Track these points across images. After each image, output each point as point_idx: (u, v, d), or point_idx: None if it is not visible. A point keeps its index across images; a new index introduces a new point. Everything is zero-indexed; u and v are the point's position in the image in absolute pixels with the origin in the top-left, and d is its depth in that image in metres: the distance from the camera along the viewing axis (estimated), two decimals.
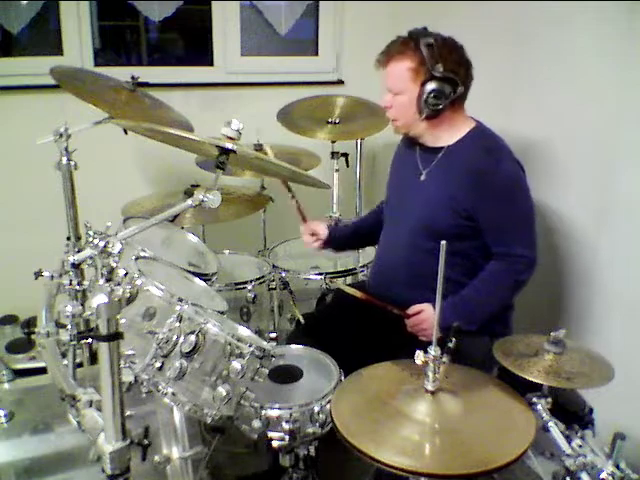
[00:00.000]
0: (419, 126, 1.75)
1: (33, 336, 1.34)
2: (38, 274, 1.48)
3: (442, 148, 1.76)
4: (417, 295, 1.71)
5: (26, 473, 1.59)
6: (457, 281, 1.71)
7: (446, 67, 1.65)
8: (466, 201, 1.67)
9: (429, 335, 1.64)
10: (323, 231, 2.02)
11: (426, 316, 1.68)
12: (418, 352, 1.15)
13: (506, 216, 1.69)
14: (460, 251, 1.71)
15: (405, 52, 1.68)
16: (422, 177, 1.79)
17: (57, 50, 2.72)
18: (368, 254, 2.29)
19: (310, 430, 1.42)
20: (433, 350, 1.14)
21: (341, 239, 2.08)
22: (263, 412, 1.40)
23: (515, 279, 1.71)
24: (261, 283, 2.23)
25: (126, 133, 1.87)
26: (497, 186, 1.67)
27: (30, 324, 1.56)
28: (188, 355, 1.23)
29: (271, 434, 1.40)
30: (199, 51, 3.16)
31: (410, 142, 1.88)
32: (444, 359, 1.15)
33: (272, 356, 1.32)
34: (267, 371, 1.31)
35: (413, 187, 1.81)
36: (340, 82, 3.16)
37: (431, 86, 1.66)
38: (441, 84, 1.66)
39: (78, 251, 1.79)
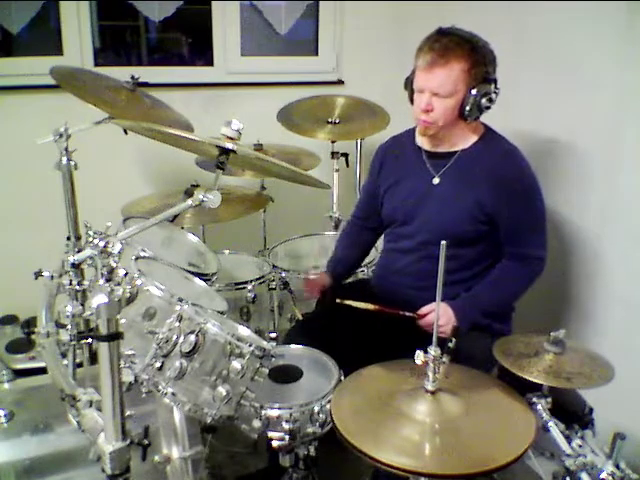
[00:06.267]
0: (453, 128, 1.72)
1: (33, 336, 1.35)
2: (38, 274, 1.49)
3: (454, 152, 1.74)
4: (428, 297, 1.66)
5: (26, 473, 1.59)
6: (462, 284, 1.73)
7: (494, 70, 1.66)
8: (491, 205, 1.68)
9: (447, 331, 1.64)
10: (327, 283, 1.98)
11: (439, 314, 1.66)
12: (418, 352, 1.15)
13: (526, 219, 1.72)
14: (471, 255, 1.73)
15: (461, 53, 1.61)
16: (435, 181, 1.76)
17: (57, 50, 2.71)
18: (369, 254, 2.27)
19: (310, 430, 1.41)
20: (433, 350, 1.14)
21: (343, 277, 2.07)
22: (263, 412, 1.39)
23: (531, 277, 1.75)
24: (261, 283, 2.23)
25: (126, 133, 1.87)
26: (520, 189, 1.70)
27: (30, 324, 1.56)
28: (188, 355, 1.23)
29: (271, 434, 1.40)
30: (199, 51, 3.16)
31: (411, 146, 1.85)
32: (444, 359, 1.15)
33: (272, 356, 1.32)
34: (267, 371, 1.31)
35: (426, 192, 1.77)
36: (340, 82, 3.15)
37: (485, 89, 1.64)
38: (492, 87, 1.66)
39: (78, 251, 1.80)
